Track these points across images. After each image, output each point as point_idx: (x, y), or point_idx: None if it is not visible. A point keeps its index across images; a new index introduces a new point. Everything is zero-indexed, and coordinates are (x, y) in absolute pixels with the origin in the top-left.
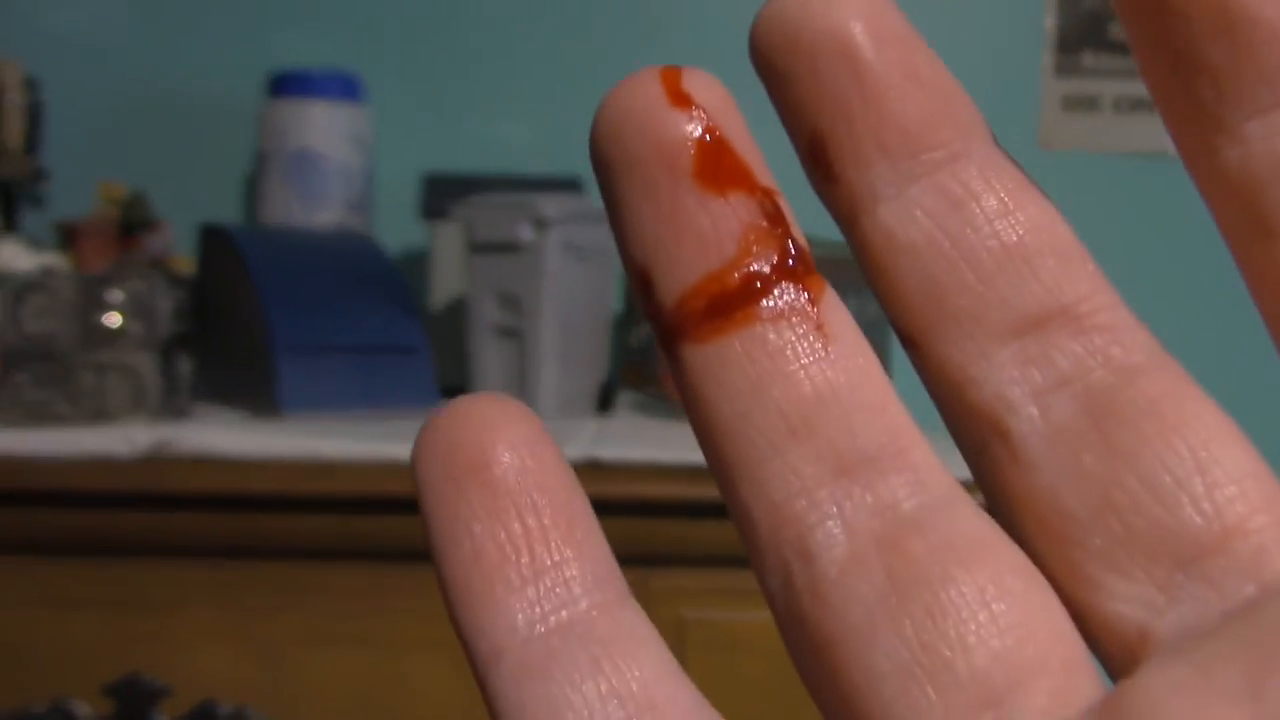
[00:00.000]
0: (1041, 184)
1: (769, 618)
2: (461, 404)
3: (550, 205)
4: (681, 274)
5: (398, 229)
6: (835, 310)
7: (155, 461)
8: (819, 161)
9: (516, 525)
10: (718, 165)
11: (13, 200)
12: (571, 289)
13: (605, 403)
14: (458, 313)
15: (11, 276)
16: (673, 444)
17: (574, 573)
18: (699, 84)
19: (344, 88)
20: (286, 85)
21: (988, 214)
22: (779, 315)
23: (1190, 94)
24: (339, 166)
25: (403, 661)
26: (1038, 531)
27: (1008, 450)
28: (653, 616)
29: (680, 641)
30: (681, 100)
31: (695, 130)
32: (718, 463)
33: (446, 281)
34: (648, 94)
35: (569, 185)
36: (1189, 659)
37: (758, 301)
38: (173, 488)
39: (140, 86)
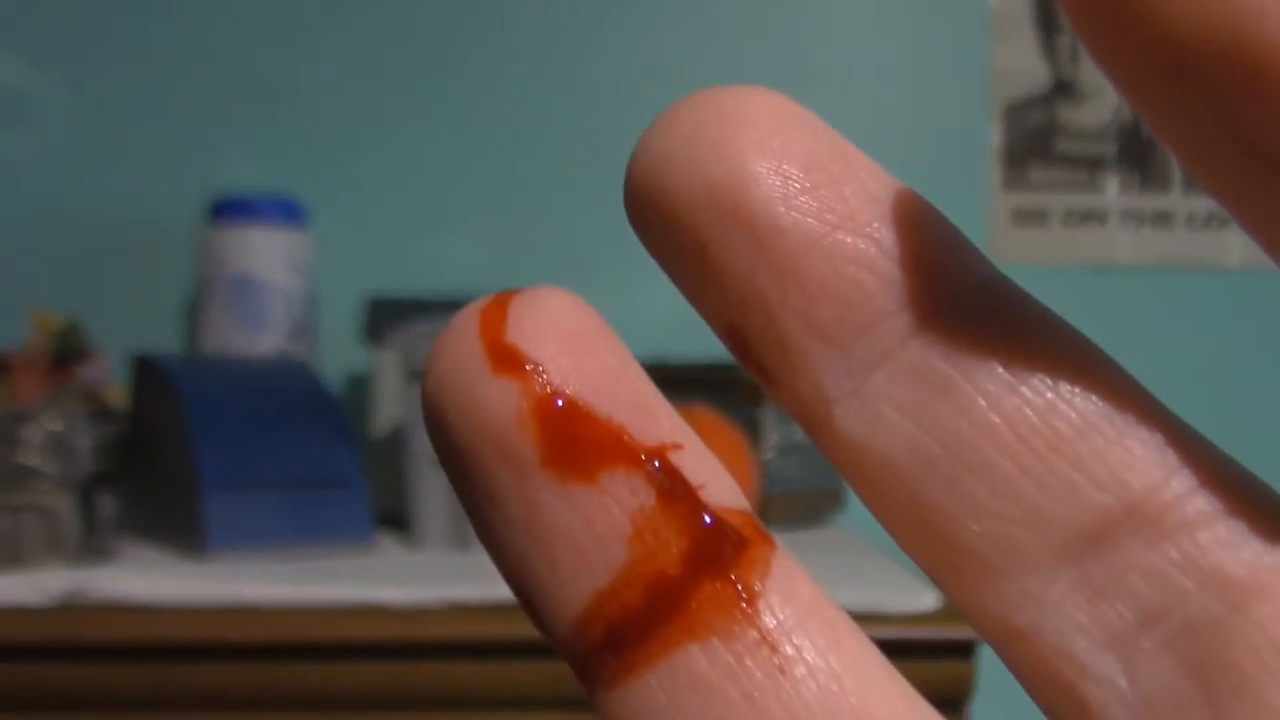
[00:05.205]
0: None
1: None
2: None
3: None
4: (564, 598)
5: (341, 353)
6: (788, 586)
7: (68, 610)
8: (746, 360)
9: None
10: (574, 440)
11: None
12: None
13: None
14: (399, 439)
15: None
16: None
17: None
18: (533, 321)
19: (285, 212)
20: (227, 211)
21: (989, 394)
22: (706, 630)
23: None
24: (280, 292)
25: None
26: None
27: None
28: None
29: None
30: (505, 360)
31: (528, 402)
32: None
33: (388, 407)
34: (466, 357)
35: None
36: None
37: (672, 618)
38: (86, 637)
39: (77, 212)
